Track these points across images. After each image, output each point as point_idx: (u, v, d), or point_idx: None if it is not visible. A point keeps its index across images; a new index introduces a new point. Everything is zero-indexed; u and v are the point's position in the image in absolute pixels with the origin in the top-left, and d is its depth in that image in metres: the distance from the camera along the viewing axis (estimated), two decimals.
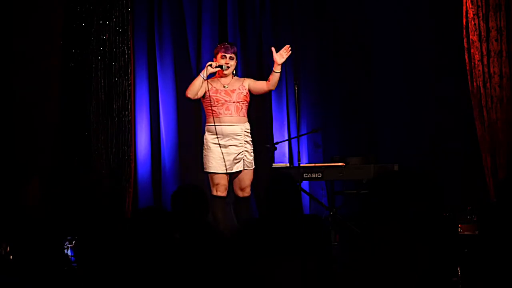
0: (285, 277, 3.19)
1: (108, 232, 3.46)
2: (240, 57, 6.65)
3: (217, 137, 5.39)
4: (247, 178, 5.50)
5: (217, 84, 5.49)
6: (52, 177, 6.22)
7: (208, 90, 5.44)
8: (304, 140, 6.95)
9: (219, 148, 5.39)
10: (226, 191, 5.45)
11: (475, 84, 6.02)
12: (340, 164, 6.07)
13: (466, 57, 6.04)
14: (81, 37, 6.62)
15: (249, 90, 5.55)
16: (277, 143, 6.33)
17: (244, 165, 5.44)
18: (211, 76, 5.58)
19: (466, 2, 6.02)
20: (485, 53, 5.99)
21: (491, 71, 5.97)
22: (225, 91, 5.45)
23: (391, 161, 6.09)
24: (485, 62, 5.99)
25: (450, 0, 6.40)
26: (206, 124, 5.49)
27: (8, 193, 5.83)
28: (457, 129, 6.55)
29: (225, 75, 5.51)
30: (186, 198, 3.49)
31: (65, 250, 4.19)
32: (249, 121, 5.56)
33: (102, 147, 6.58)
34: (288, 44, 5.52)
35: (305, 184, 6.77)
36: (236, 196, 5.55)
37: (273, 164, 6.36)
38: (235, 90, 5.47)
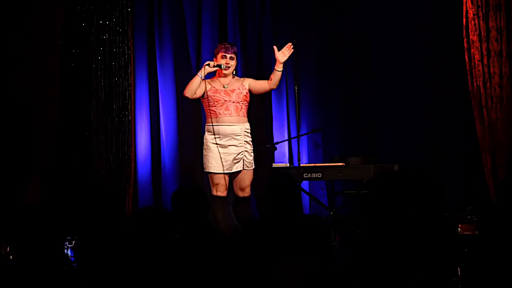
0: (285, 277, 3.19)
1: (108, 232, 3.46)
2: (240, 57, 6.65)
3: (215, 137, 5.38)
4: (247, 178, 5.50)
5: (216, 84, 5.49)
6: (52, 177, 6.22)
7: (208, 90, 5.43)
8: (304, 140, 6.95)
9: (219, 148, 5.39)
10: (226, 191, 5.45)
11: (475, 84, 6.02)
12: (340, 164, 6.07)
13: (466, 57, 6.05)
14: (81, 37, 6.62)
15: (250, 90, 5.54)
16: (277, 143, 6.33)
17: (243, 165, 5.44)
18: (211, 76, 5.58)
19: (466, 2, 6.02)
20: (485, 53, 5.99)
21: (491, 71, 5.97)
22: (225, 91, 5.45)
23: (391, 161, 6.09)
24: (485, 62, 5.99)
25: (450, 0, 6.40)
26: (206, 124, 5.48)
27: (8, 193, 5.83)
28: (457, 129, 6.55)
29: (225, 75, 5.50)
30: (186, 198, 3.49)
31: (65, 250, 4.19)
32: (249, 121, 5.55)
33: (102, 147, 6.58)
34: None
35: (305, 184, 6.78)
36: (236, 196, 5.55)
37: (273, 164, 6.36)
38: (234, 90, 5.46)
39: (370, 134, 6.97)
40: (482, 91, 6.00)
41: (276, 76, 5.48)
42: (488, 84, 5.98)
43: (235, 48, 5.56)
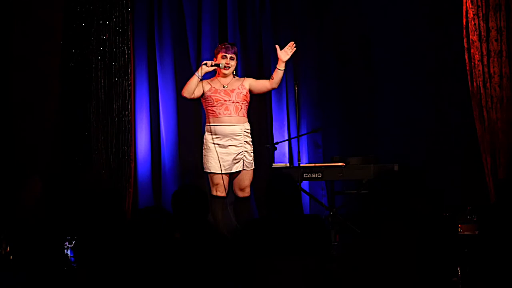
0: (285, 277, 3.19)
1: (108, 232, 3.46)
2: (240, 57, 6.65)
3: (213, 137, 5.38)
4: (246, 178, 5.49)
5: (216, 84, 5.49)
6: (52, 177, 6.21)
7: (208, 90, 5.43)
8: (304, 140, 6.95)
9: (218, 148, 5.38)
10: (226, 191, 5.45)
11: (475, 84, 6.02)
12: (340, 164, 6.08)
13: (466, 57, 6.04)
14: (81, 37, 6.61)
15: (251, 90, 5.53)
16: (277, 143, 6.33)
17: (243, 165, 5.44)
18: (211, 76, 5.58)
19: (466, 2, 6.02)
20: (485, 53, 5.99)
21: (491, 71, 5.97)
22: (225, 91, 5.44)
23: (391, 161, 6.09)
24: (485, 62, 5.99)
25: (450, 0, 6.40)
26: (206, 124, 5.48)
27: (8, 193, 5.82)
28: (457, 129, 6.55)
29: (225, 75, 5.50)
30: (186, 198, 3.48)
31: (65, 250, 4.19)
32: (249, 121, 5.55)
33: (102, 147, 6.58)
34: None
35: (305, 184, 6.77)
36: (236, 196, 5.55)
37: (273, 164, 6.36)
38: (234, 89, 5.46)
39: (370, 134, 6.97)
40: (482, 91, 6.00)
41: (278, 75, 5.47)
42: (488, 84, 5.98)
43: (236, 48, 5.56)
